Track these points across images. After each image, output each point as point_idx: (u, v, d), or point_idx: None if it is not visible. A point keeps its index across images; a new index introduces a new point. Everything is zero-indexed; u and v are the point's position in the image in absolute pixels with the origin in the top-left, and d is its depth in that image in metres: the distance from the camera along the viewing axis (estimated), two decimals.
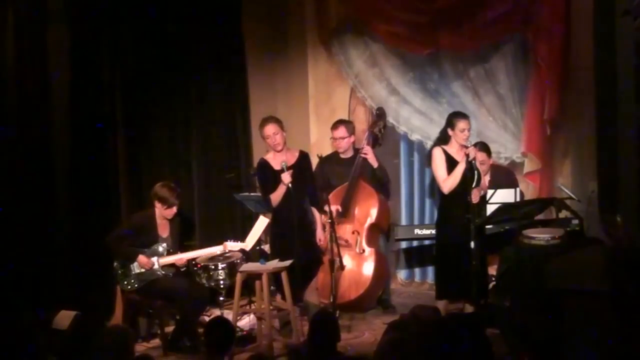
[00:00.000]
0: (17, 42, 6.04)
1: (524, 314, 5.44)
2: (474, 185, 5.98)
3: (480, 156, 6.45)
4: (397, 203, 7.60)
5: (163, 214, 6.23)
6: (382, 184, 6.98)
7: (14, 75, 6.05)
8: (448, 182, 6.06)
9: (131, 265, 6.15)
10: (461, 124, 6.06)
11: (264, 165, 6.35)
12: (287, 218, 6.23)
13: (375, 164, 6.84)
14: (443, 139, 6.18)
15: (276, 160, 6.28)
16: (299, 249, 6.13)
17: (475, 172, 6.01)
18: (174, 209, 6.24)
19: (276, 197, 6.25)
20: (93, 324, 5.71)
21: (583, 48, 6.70)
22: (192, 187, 7.61)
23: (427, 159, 6.60)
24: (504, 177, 6.66)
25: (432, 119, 7.43)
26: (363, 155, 6.79)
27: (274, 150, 6.28)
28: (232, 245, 6.28)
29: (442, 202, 6.25)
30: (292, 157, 6.34)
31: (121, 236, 6.19)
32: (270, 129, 6.24)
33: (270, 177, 6.29)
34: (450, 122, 6.12)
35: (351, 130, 7.01)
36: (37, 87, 6.21)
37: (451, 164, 6.08)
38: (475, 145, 6.43)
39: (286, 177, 6.12)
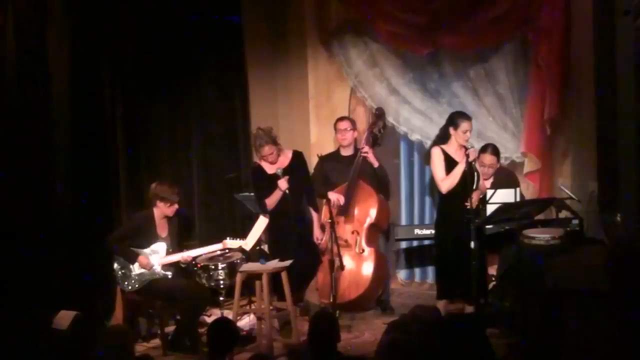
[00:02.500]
0: (17, 42, 6.04)
1: (524, 314, 5.45)
2: (474, 187, 5.98)
3: (490, 159, 6.48)
4: (397, 203, 7.60)
5: (166, 212, 6.24)
6: (383, 183, 6.97)
7: (14, 75, 6.05)
8: (447, 182, 6.06)
9: (131, 266, 6.15)
10: (464, 125, 6.05)
11: (258, 170, 6.37)
12: (284, 221, 6.23)
13: (375, 164, 6.83)
14: (443, 137, 6.17)
15: (269, 165, 6.30)
16: (298, 250, 6.13)
17: (475, 174, 6.01)
18: (176, 206, 6.26)
19: (271, 202, 6.26)
20: (93, 324, 5.72)
21: (583, 48, 6.70)
22: (192, 187, 7.61)
23: (425, 157, 6.60)
24: (504, 178, 6.65)
25: (432, 119, 7.43)
26: (363, 154, 6.78)
27: (271, 164, 6.33)
28: (231, 243, 6.28)
29: (442, 202, 6.25)
30: (285, 159, 6.35)
31: (121, 237, 6.19)
32: (267, 150, 6.33)
33: (264, 181, 6.31)
34: (454, 121, 6.10)
35: (354, 126, 7.05)
36: (37, 87, 6.21)
37: (450, 163, 6.08)
38: (486, 147, 6.47)
39: (283, 184, 6.14)
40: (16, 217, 5.96)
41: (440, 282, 6.32)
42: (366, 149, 6.79)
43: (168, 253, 6.25)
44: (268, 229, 6.55)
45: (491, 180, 6.58)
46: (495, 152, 6.57)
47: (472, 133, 6.14)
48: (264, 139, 6.32)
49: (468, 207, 5.89)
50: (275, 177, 6.23)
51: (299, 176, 6.34)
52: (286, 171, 6.27)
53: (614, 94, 5.32)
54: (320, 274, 6.67)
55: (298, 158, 6.46)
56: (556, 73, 7.03)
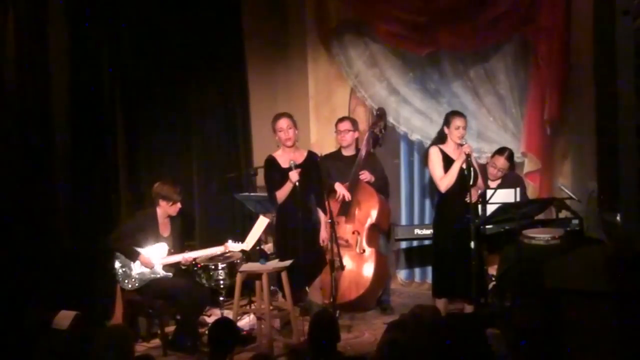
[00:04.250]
0: (17, 42, 6.04)
1: (524, 314, 5.45)
2: (471, 183, 5.99)
3: (503, 163, 6.56)
4: (397, 203, 7.60)
5: (168, 211, 6.25)
6: (381, 192, 6.97)
7: (14, 75, 6.05)
8: (445, 180, 6.07)
9: (132, 265, 6.15)
10: (456, 122, 6.08)
11: (272, 162, 6.35)
12: (292, 216, 6.21)
13: (372, 180, 6.84)
14: (440, 138, 6.21)
15: (284, 158, 6.29)
16: (304, 249, 6.12)
17: (472, 169, 6.03)
18: (179, 205, 6.28)
19: (282, 194, 6.24)
20: (93, 324, 5.72)
21: (583, 48, 6.70)
22: (192, 187, 7.61)
23: (423, 158, 6.61)
24: (511, 182, 6.64)
25: (432, 119, 7.43)
26: (362, 178, 6.79)
27: (285, 145, 6.27)
28: (233, 246, 6.29)
29: (440, 201, 6.26)
30: (300, 156, 6.34)
31: (124, 235, 6.19)
32: (284, 122, 6.24)
33: (277, 174, 6.30)
34: (446, 119, 6.17)
35: (356, 126, 7.05)
36: (37, 87, 6.21)
37: (448, 162, 6.10)
38: (503, 151, 6.51)
39: (294, 176, 6.11)
40: (16, 217, 5.96)
41: (436, 280, 6.34)
42: (364, 174, 6.78)
43: (169, 253, 6.25)
44: (274, 228, 6.53)
45: (498, 182, 6.59)
46: (510, 158, 6.64)
47: (466, 130, 6.17)
48: (284, 114, 6.33)
49: (468, 202, 5.91)
50: (288, 171, 6.22)
51: (310, 175, 6.32)
52: (299, 166, 6.25)
53: (614, 94, 5.32)
54: (322, 274, 6.67)
55: (312, 158, 6.45)
56: (556, 73, 7.02)
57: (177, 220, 6.38)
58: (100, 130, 6.71)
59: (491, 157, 6.72)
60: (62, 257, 6.25)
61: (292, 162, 6.16)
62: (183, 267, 6.31)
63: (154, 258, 6.19)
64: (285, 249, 6.24)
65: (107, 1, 6.74)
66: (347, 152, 6.97)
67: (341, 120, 7.04)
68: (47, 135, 6.28)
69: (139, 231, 6.22)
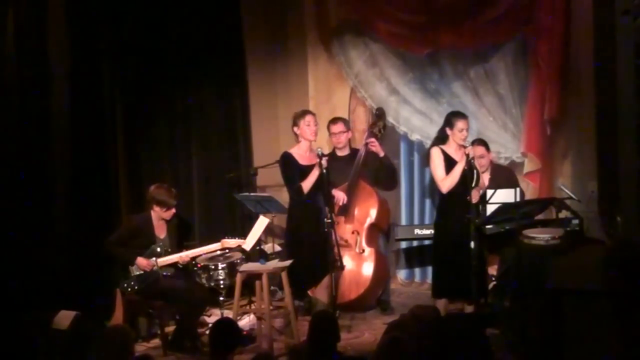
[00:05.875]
0: (17, 42, 6.04)
1: (524, 314, 5.45)
2: (473, 184, 5.99)
3: (479, 150, 6.49)
4: (397, 203, 7.60)
5: (162, 215, 6.22)
6: (391, 171, 6.95)
7: (14, 75, 6.05)
8: (447, 182, 6.07)
9: (131, 268, 6.14)
10: (460, 124, 6.08)
11: (289, 157, 6.37)
12: (315, 205, 6.19)
13: (381, 153, 6.81)
14: (441, 138, 6.19)
15: (300, 155, 6.31)
16: (320, 245, 6.13)
17: (475, 171, 6.03)
18: (173, 210, 6.24)
19: (308, 184, 6.27)
20: (93, 324, 5.72)
21: (583, 48, 6.70)
22: (192, 187, 7.61)
23: (425, 158, 6.60)
24: (505, 177, 6.65)
25: (432, 119, 7.43)
26: (371, 147, 6.76)
27: (309, 139, 6.40)
28: (229, 242, 6.26)
29: (441, 202, 6.25)
30: (313, 156, 6.37)
31: (120, 240, 6.18)
32: (312, 118, 6.44)
33: (295, 170, 6.31)
34: (449, 121, 6.13)
35: (348, 126, 7.04)
36: (37, 87, 6.21)
37: (449, 163, 6.09)
38: (473, 142, 6.47)
39: (323, 162, 6.16)
40: (17, 217, 5.96)
41: (436, 280, 6.33)
42: (372, 140, 6.75)
43: (167, 253, 6.24)
44: (286, 225, 6.53)
45: (488, 175, 6.59)
46: (482, 142, 6.61)
47: (469, 131, 6.16)
48: (311, 112, 6.49)
49: (469, 199, 5.90)
50: (306, 169, 6.22)
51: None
52: (323, 156, 6.27)
53: (614, 94, 5.33)
54: None
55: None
56: (556, 73, 7.03)
57: (172, 221, 6.35)
58: (100, 130, 6.71)
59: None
60: (62, 258, 6.24)
61: (319, 149, 6.19)
62: (180, 266, 6.30)
63: (152, 260, 6.18)
64: (300, 244, 6.25)
65: (107, 2, 6.74)
66: (342, 152, 6.96)
67: (334, 122, 6.99)
68: (47, 136, 6.28)
69: (135, 235, 6.19)
